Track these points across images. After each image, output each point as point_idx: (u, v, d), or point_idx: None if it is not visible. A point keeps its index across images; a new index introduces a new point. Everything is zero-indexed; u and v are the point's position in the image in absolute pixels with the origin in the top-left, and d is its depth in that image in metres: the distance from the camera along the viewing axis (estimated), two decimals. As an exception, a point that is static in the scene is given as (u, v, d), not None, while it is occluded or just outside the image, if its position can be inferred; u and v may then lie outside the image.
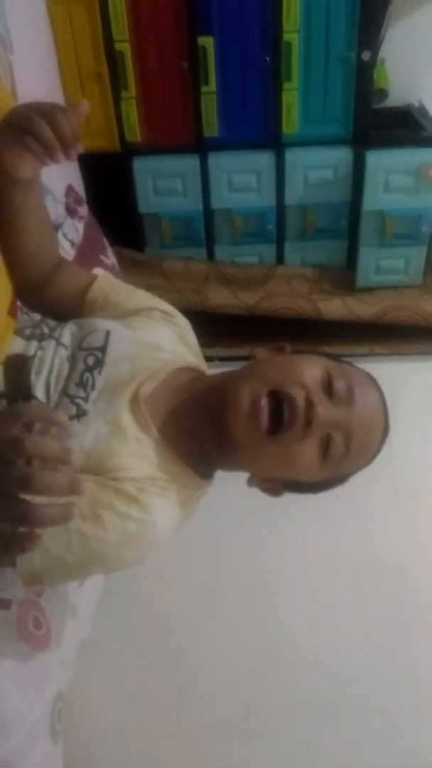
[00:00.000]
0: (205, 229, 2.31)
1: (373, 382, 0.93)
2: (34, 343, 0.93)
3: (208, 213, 2.28)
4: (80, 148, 0.84)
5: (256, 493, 0.95)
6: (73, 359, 0.91)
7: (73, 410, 0.85)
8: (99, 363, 0.90)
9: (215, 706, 1.36)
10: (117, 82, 2.07)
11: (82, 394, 0.87)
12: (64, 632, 1.15)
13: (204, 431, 0.89)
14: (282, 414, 0.82)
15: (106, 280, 1.05)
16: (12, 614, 1.01)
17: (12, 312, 0.97)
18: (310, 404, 0.82)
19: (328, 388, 0.85)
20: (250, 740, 1.33)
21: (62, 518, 0.63)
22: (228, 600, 1.53)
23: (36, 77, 1.65)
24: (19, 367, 0.74)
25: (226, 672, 1.42)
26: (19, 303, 1.05)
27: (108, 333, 0.93)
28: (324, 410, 0.83)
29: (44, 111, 0.82)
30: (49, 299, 1.03)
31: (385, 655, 1.45)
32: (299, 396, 0.82)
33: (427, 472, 1.81)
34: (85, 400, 0.86)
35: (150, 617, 1.48)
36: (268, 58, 2.02)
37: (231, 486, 0.96)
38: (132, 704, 1.34)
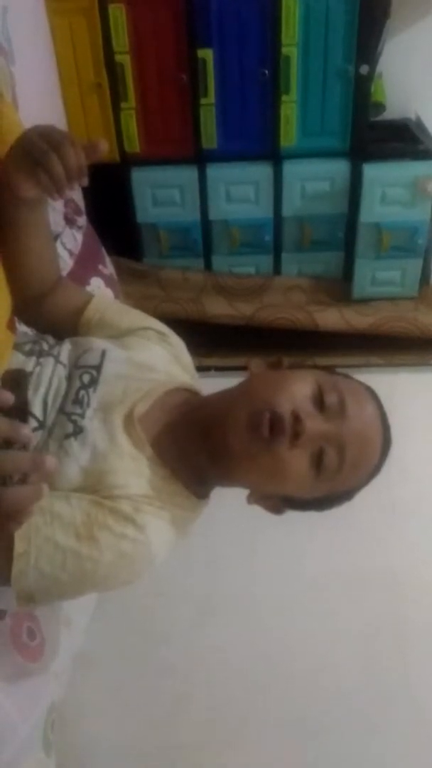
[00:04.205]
0: (203, 239, 2.32)
1: (371, 394, 0.92)
2: (33, 359, 0.93)
3: (206, 224, 2.29)
4: (85, 181, 0.84)
5: (251, 506, 0.95)
6: (69, 377, 0.92)
7: (70, 428, 0.85)
8: (94, 381, 0.90)
9: (210, 719, 1.36)
10: (117, 93, 2.08)
11: (78, 411, 0.87)
12: (59, 643, 1.15)
13: (198, 448, 0.89)
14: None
15: (102, 300, 1.06)
16: (6, 625, 1.01)
17: (11, 326, 0.97)
18: (296, 419, 0.82)
19: (319, 402, 0.85)
20: (245, 754, 1.32)
21: (33, 497, 0.62)
22: (223, 612, 1.52)
23: (37, 88, 1.66)
24: (17, 382, 0.74)
25: (221, 685, 1.42)
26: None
27: (104, 352, 0.94)
28: (312, 424, 0.83)
29: (54, 141, 0.81)
30: (45, 316, 1.04)
31: (381, 666, 1.45)
32: (285, 412, 0.83)
33: (423, 484, 1.81)
34: (82, 417, 0.86)
35: (145, 629, 1.47)
36: (266, 71, 2.04)
37: (227, 498, 0.96)
38: (126, 716, 1.33)
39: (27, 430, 0.65)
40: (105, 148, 0.84)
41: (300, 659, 1.45)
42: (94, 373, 0.91)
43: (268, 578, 1.59)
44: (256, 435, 0.83)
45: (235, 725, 1.36)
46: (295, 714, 1.38)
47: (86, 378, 0.91)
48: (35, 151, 0.82)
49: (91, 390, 0.89)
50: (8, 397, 0.65)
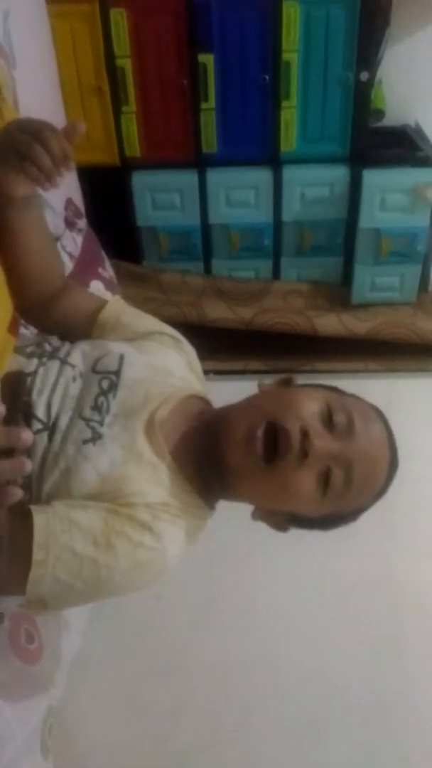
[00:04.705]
0: (203, 243, 2.32)
1: (378, 415, 0.92)
2: (35, 361, 0.92)
3: (206, 228, 2.29)
4: (72, 166, 0.84)
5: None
6: (86, 382, 0.90)
7: (89, 434, 0.84)
8: (113, 387, 0.89)
9: (208, 725, 1.35)
10: (117, 97, 2.09)
11: (97, 417, 0.86)
12: (57, 646, 1.15)
13: (206, 460, 0.89)
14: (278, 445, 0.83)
15: (118, 304, 1.05)
16: (4, 628, 1.01)
17: (12, 329, 0.96)
18: (305, 436, 0.82)
19: (328, 421, 0.85)
20: (242, 759, 1.32)
21: (16, 469, 0.65)
22: (223, 615, 1.52)
23: (38, 91, 1.67)
24: (16, 383, 0.74)
25: (220, 688, 1.41)
26: (22, 321, 1.05)
27: (122, 357, 0.93)
28: (321, 442, 0.82)
29: (35, 132, 0.81)
30: (56, 319, 1.03)
31: (380, 670, 1.45)
32: (294, 428, 0.82)
33: (421, 490, 1.81)
34: (101, 423, 0.86)
35: (143, 633, 1.47)
36: (267, 77, 2.05)
37: (227, 503, 0.96)
38: (124, 721, 1.33)
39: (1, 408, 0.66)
40: (83, 129, 0.84)
41: (299, 662, 1.45)
42: (114, 378, 0.90)
43: (267, 581, 1.59)
44: (250, 452, 0.83)
45: (235, 728, 1.35)
46: (295, 717, 1.37)
47: (105, 383, 0.90)
48: (18, 145, 0.82)
49: (110, 396, 0.88)
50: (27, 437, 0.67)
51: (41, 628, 1.10)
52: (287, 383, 0.97)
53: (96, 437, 0.84)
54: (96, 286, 1.81)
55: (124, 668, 1.42)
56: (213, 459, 0.87)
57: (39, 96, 1.68)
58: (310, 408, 0.85)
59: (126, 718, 1.33)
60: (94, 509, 0.80)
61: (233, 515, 0.96)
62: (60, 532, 0.76)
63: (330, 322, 2.32)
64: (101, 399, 0.88)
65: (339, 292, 2.39)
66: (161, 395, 0.90)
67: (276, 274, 2.40)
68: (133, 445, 0.85)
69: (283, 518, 0.93)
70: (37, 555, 0.75)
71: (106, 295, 1.80)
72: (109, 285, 1.89)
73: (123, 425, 0.86)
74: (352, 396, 0.93)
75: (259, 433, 0.83)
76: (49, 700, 1.07)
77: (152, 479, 0.85)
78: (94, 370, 0.92)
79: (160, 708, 1.37)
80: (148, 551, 0.80)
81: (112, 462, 0.83)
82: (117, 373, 0.91)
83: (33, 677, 1.04)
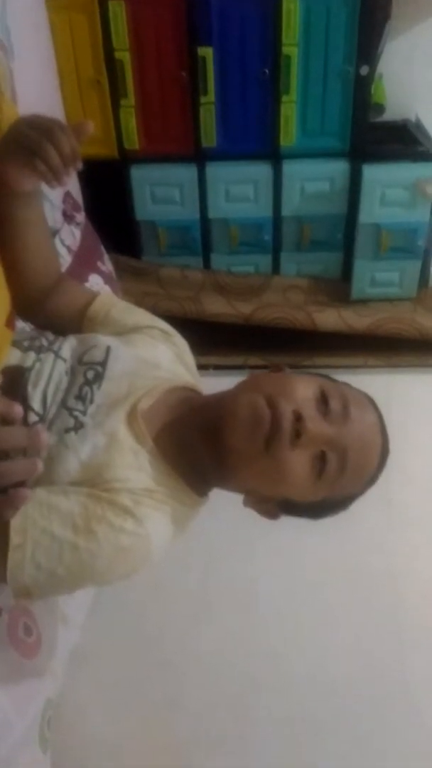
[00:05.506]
0: (202, 238, 2.32)
1: (371, 403, 0.93)
2: (32, 355, 0.92)
3: (205, 222, 2.29)
4: (79, 165, 0.84)
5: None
6: (72, 373, 0.91)
7: (71, 422, 0.85)
8: (99, 377, 0.90)
9: (207, 717, 1.35)
10: (116, 90, 2.08)
11: (80, 407, 0.86)
12: (55, 639, 1.14)
13: (200, 446, 0.89)
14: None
15: (108, 297, 1.06)
16: (2, 621, 1.01)
17: (10, 324, 0.96)
18: (298, 418, 0.82)
19: (323, 406, 0.85)
20: (242, 752, 1.32)
21: (28, 471, 0.66)
22: (220, 609, 1.52)
23: (36, 84, 1.66)
24: (15, 378, 0.74)
25: (218, 682, 1.41)
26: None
27: (108, 348, 0.93)
28: (315, 425, 0.82)
29: (46, 129, 0.82)
30: (49, 314, 1.03)
31: (378, 665, 1.45)
32: (287, 409, 0.82)
33: (419, 483, 1.81)
34: (83, 413, 0.86)
35: (142, 626, 1.47)
36: (267, 71, 2.04)
37: (225, 495, 0.96)
38: (123, 714, 1.33)
39: (19, 408, 0.67)
40: (91, 129, 0.85)
41: (297, 657, 1.45)
42: (99, 369, 0.91)
43: (265, 575, 1.59)
44: (256, 432, 0.82)
45: (232, 722, 1.35)
46: (293, 712, 1.38)
47: (90, 374, 0.90)
48: (29, 142, 0.82)
49: (95, 386, 0.89)
50: (19, 411, 0.67)
51: (39, 621, 1.10)
52: (278, 370, 0.97)
53: (78, 426, 0.84)
54: (95, 281, 1.80)
55: (123, 661, 1.42)
56: (210, 442, 0.87)
57: (37, 88, 1.68)
58: (304, 392, 0.86)
59: (124, 711, 1.34)
60: (75, 494, 0.79)
61: (231, 506, 0.96)
62: (39, 516, 0.76)
63: (330, 318, 2.31)
64: (85, 389, 0.89)
65: (339, 288, 2.38)
66: (146, 387, 0.90)
67: (275, 269, 2.39)
68: (115, 433, 0.85)
69: (274, 505, 0.93)
70: (14, 539, 0.75)
71: (105, 289, 1.80)
72: (108, 279, 1.88)
73: (106, 414, 0.86)
74: (345, 384, 0.93)
75: (265, 414, 0.82)
76: (47, 693, 1.07)
77: (134, 465, 0.84)
78: (80, 362, 0.92)
79: (158, 701, 1.37)
80: (130, 536, 0.79)
81: (93, 449, 0.83)
82: (103, 364, 0.91)
83: (31, 670, 1.04)
